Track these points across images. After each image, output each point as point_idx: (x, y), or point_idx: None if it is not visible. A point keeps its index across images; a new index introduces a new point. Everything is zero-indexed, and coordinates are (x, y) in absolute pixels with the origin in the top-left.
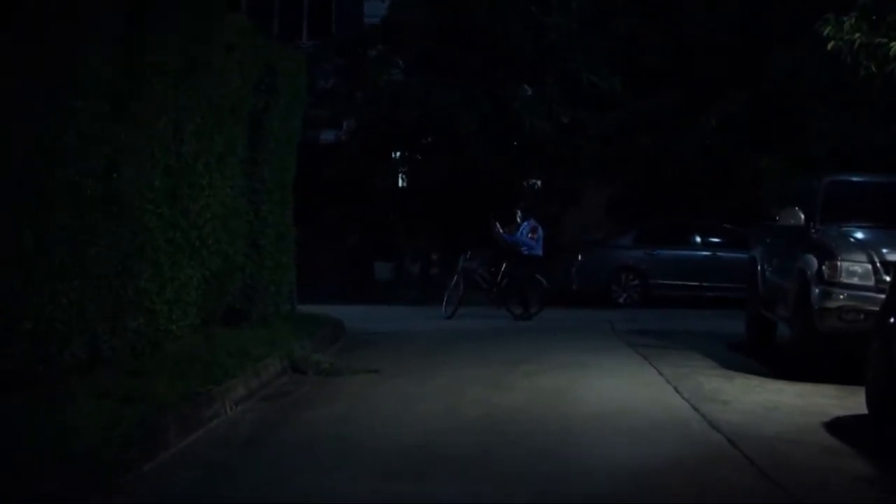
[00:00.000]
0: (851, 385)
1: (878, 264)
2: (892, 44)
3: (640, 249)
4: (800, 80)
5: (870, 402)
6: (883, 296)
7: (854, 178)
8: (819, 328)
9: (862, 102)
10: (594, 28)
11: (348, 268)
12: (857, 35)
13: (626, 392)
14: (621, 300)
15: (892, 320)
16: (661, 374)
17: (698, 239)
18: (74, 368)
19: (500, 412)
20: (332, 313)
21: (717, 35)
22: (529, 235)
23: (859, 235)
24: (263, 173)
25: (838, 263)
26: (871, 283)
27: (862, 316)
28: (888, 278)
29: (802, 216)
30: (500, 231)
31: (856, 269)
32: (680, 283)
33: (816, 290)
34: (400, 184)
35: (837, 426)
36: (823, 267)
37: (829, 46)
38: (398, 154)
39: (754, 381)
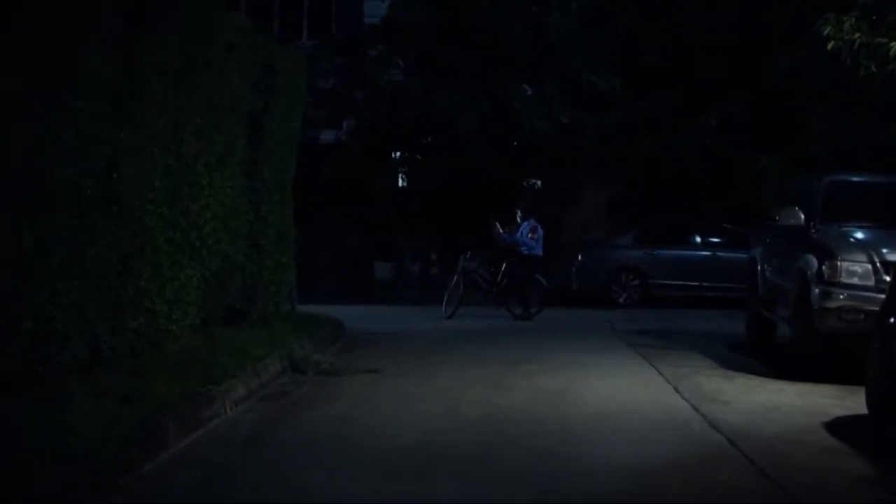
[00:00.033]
0: (851, 385)
1: (878, 264)
2: (893, 44)
3: (640, 249)
4: (800, 80)
5: (870, 402)
6: (883, 296)
7: (854, 178)
8: (819, 328)
9: (862, 102)
10: (594, 28)
11: (348, 268)
12: (857, 35)
13: (627, 392)
14: (621, 300)
15: (892, 320)
16: (661, 374)
17: (698, 239)
18: (74, 368)
19: (500, 412)
20: (332, 313)
21: (717, 35)
22: (529, 235)
23: (859, 235)
24: (263, 173)
25: (838, 263)
26: (871, 283)
27: (862, 316)
28: (888, 278)
29: (802, 216)
30: (500, 231)
31: (856, 269)
32: (680, 283)
33: (816, 290)
34: (400, 184)
35: (837, 426)
36: (823, 267)
37: (829, 46)
38: (398, 154)
39: (754, 381)
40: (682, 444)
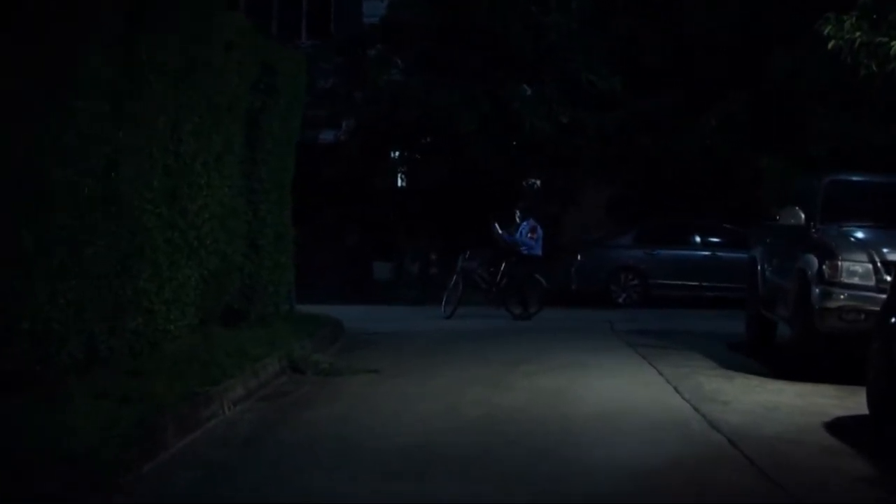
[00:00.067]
0: (852, 385)
1: (879, 264)
2: (893, 43)
3: (640, 249)
4: (800, 79)
5: (870, 403)
6: (883, 296)
7: (854, 178)
8: (819, 328)
9: (862, 102)
10: (594, 28)
11: (347, 268)
12: (858, 34)
13: (626, 392)
14: (621, 300)
15: (892, 320)
16: (660, 374)
17: (698, 239)
18: (72, 368)
19: (500, 412)
20: (331, 313)
21: (717, 35)
22: (529, 235)
23: (860, 235)
24: (262, 173)
25: (839, 263)
26: (872, 282)
27: (862, 316)
28: (889, 278)
29: (803, 216)
30: (499, 231)
31: (856, 268)
32: (679, 283)
33: (817, 290)
34: (399, 184)
35: (838, 426)
36: (824, 267)
37: (830, 46)
38: (397, 154)
39: (754, 382)
40: (682, 444)
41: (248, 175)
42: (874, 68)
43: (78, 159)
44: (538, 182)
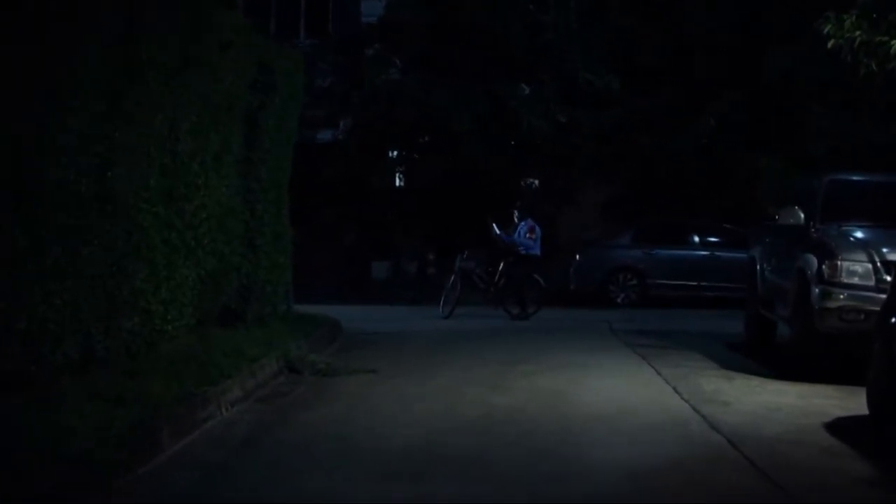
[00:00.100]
0: (852, 385)
1: (879, 264)
2: (893, 42)
3: (638, 249)
4: (799, 78)
5: (870, 403)
6: (883, 296)
7: (854, 178)
8: (819, 328)
9: (862, 101)
10: (591, 27)
11: (345, 267)
12: (858, 33)
13: (626, 393)
14: (619, 300)
15: (893, 320)
16: (659, 374)
17: (696, 239)
18: (67, 369)
19: (499, 413)
20: (328, 313)
21: (716, 34)
22: (528, 235)
23: (859, 235)
24: (259, 172)
25: (838, 263)
26: (872, 282)
27: (862, 316)
28: (889, 278)
29: (802, 215)
30: (497, 232)
31: (856, 268)
32: (678, 282)
33: (816, 290)
34: (397, 183)
35: (838, 427)
36: (823, 266)
37: (830, 44)
38: (395, 153)
39: (754, 382)
40: (681, 444)
41: (245, 175)
42: (874, 67)
43: (74, 158)
44: (536, 182)
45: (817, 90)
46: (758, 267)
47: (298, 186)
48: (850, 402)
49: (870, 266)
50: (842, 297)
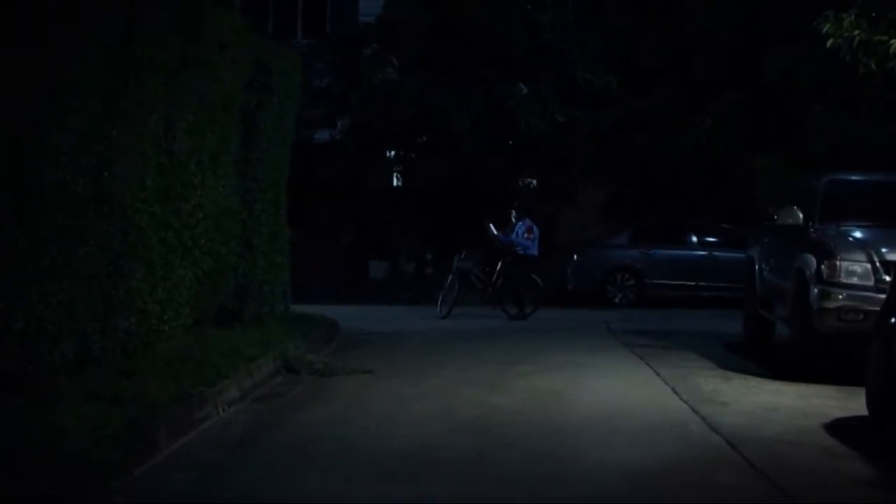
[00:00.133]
0: (851, 386)
1: (878, 264)
2: (892, 41)
3: (636, 249)
4: (798, 78)
5: (870, 403)
6: (882, 296)
7: (853, 177)
8: (818, 328)
9: (861, 100)
10: (590, 26)
11: (343, 267)
12: (857, 32)
13: (624, 393)
14: (617, 300)
15: (892, 320)
16: (658, 374)
17: (694, 238)
18: (64, 369)
19: (496, 413)
20: (326, 313)
21: (715, 34)
22: (525, 236)
23: (858, 235)
24: (257, 172)
25: (837, 263)
26: (871, 282)
27: (861, 316)
28: (888, 278)
29: (801, 215)
30: (495, 232)
31: (855, 268)
32: (676, 282)
33: (815, 290)
34: (395, 183)
35: (837, 427)
36: (822, 266)
37: (829, 44)
38: (393, 153)
39: (753, 382)
40: (680, 445)
41: (243, 174)
42: (873, 66)
43: (71, 159)
44: (534, 181)
45: (816, 90)
46: (756, 267)
47: (296, 186)
48: (850, 402)
49: (869, 266)
50: (841, 297)
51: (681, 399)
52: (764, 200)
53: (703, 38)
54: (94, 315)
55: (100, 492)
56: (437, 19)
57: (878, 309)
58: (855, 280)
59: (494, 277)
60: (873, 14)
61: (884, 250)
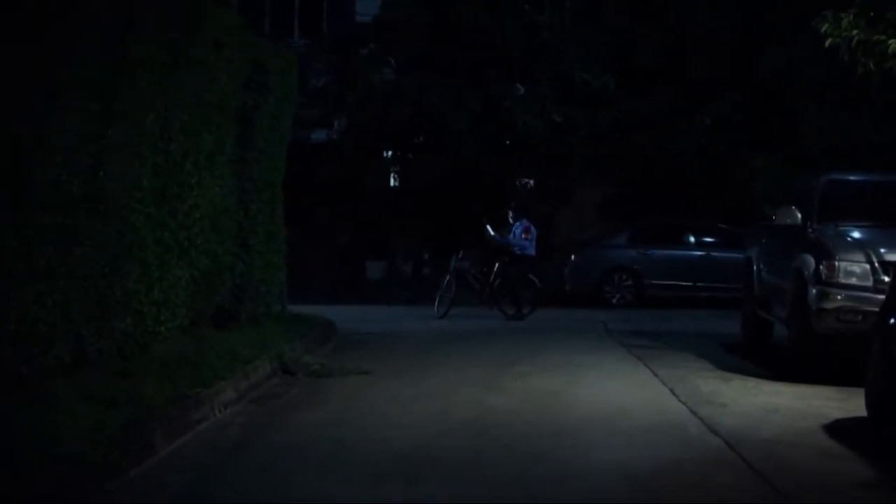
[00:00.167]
0: (850, 387)
1: (877, 264)
2: (891, 41)
3: (634, 249)
4: (799, 78)
5: (869, 404)
6: (881, 296)
7: (852, 177)
8: (816, 329)
9: (860, 100)
10: (587, 26)
11: (340, 267)
12: (855, 32)
13: (622, 394)
14: (614, 300)
15: (891, 321)
16: (656, 375)
17: (692, 239)
18: (59, 370)
19: (494, 414)
20: (323, 313)
21: (715, 34)
22: (523, 236)
23: (857, 235)
24: (253, 172)
25: (836, 263)
26: (870, 283)
27: (860, 317)
28: (887, 278)
29: (799, 215)
30: (492, 233)
31: (854, 269)
32: (674, 283)
33: (814, 291)
34: (392, 183)
35: (836, 429)
36: (821, 267)
37: (827, 43)
38: (390, 153)
39: (751, 383)
40: (679, 447)
41: (239, 174)
42: (872, 66)
43: (66, 158)
44: (531, 182)
45: (816, 89)
46: (755, 267)
47: (293, 186)
48: (849, 403)
49: (868, 266)
50: (839, 297)
51: (679, 400)
52: (762, 200)
53: (703, 37)
54: (89, 316)
55: (96, 493)
56: (435, 19)
57: (876, 309)
58: (854, 280)
59: (492, 278)
60: (872, 14)
61: (882, 251)
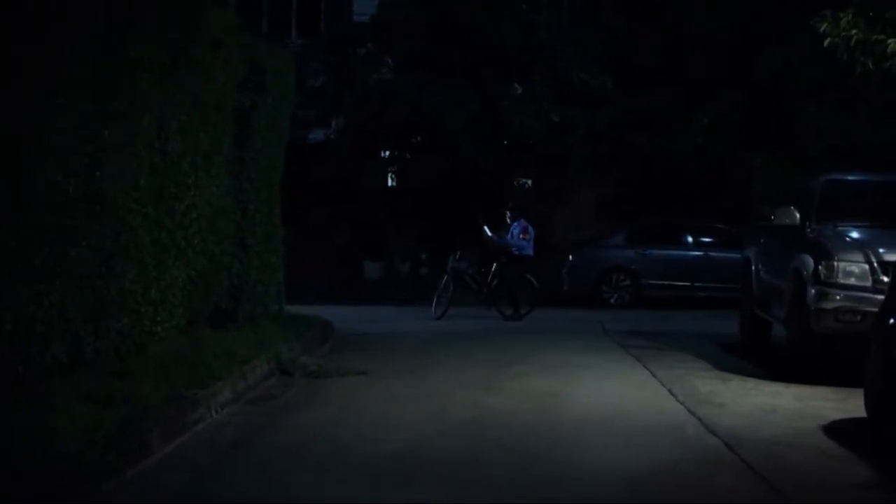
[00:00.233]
0: (849, 387)
1: (876, 264)
2: (890, 40)
3: (632, 249)
4: (798, 78)
5: (868, 405)
6: (880, 296)
7: (850, 177)
8: (815, 329)
9: (859, 100)
10: (585, 26)
11: (337, 268)
12: (854, 31)
13: (620, 394)
14: (612, 300)
15: (891, 321)
16: (654, 375)
17: (690, 239)
18: (55, 370)
19: (491, 415)
20: (320, 314)
21: (713, 33)
22: (521, 236)
23: (856, 235)
24: (250, 172)
25: (835, 263)
26: (869, 283)
27: (859, 317)
28: (886, 279)
29: (798, 215)
30: (489, 234)
31: (853, 269)
32: (671, 283)
33: (812, 291)
34: (389, 183)
35: (835, 429)
36: (820, 267)
37: (826, 43)
38: (387, 153)
39: (750, 384)
40: (677, 447)
41: (236, 174)
42: (870, 66)
43: (63, 158)
44: (529, 181)
45: (815, 89)
46: (753, 267)
47: (290, 186)
48: (848, 403)
49: (866, 266)
50: (838, 297)
51: (677, 400)
52: (759, 200)
53: (701, 37)
54: (85, 316)
55: (94, 493)
56: (432, 19)
57: (876, 310)
58: (852, 281)
59: (489, 278)
60: (870, 13)
61: (881, 251)
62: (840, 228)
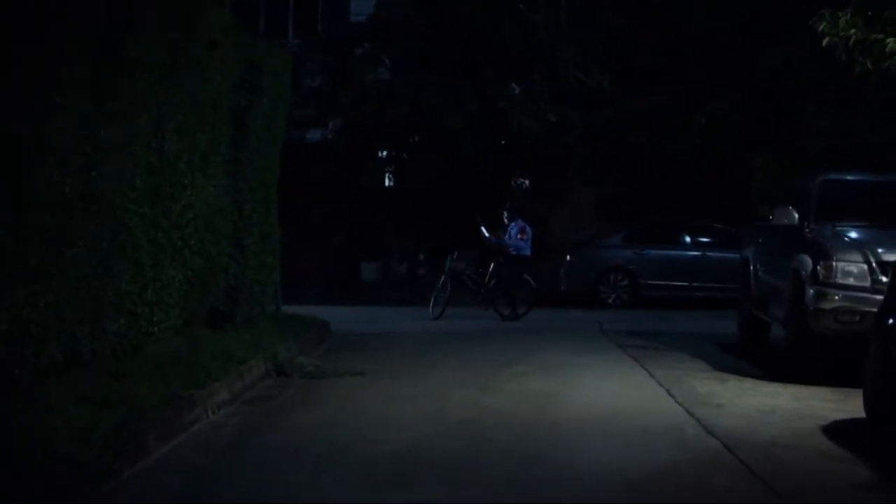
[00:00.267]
0: (848, 388)
1: (875, 264)
2: (889, 40)
3: (630, 249)
4: (798, 78)
5: (867, 405)
6: (879, 297)
7: (849, 177)
8: (814, 329)
9: (857, 100)
10: (583, 25)
11: (334, 268)
12: (853, 31)
13: (618, 395)
14: (610, 301)
15: (890, 321)
16: (652, 376)
17: (688, 239)
18: (51, 371)
19: (489, 415)
20: (317, 314)
21: (713, 33)
22: (519, 237)
23: (855, 235)
24: (247, 172)
25: (834, 263)
26: (868, 283)
27: (858, 317)
28: (885, 279)
29: (796, 215)
30: (487, 235)
31: (851, 269)
32: (669, 283)
33: (811, 291)
34: (387, 183)
35: (834, 430)
36: (818, 267)
37: (825, 43)
38: (385, 153)
39: (748, 384)
40: (676, 448)
41: (233, 174)
42: (869, 65)
43: (59, 158)
44: (527, 182)
45: (815, 89)
46: (751, 267)
47: (287, 186)
48: (847, 404)
49: (865, 267)
50: (837, 298)
51: (676, 401)
52: (758, 200)
53: (700, 37)
54: (82, 317)
55: (94, 494)
56: (430, 19)
57: (874, 310)
58: (851, 281)
59: (487, 278)
60: (869, 13)
61: (880, 251)
62: (838, 228)
